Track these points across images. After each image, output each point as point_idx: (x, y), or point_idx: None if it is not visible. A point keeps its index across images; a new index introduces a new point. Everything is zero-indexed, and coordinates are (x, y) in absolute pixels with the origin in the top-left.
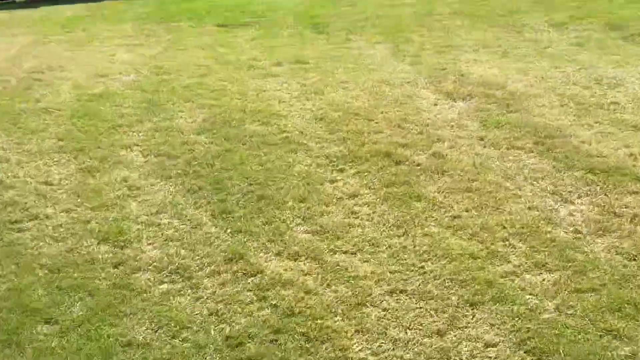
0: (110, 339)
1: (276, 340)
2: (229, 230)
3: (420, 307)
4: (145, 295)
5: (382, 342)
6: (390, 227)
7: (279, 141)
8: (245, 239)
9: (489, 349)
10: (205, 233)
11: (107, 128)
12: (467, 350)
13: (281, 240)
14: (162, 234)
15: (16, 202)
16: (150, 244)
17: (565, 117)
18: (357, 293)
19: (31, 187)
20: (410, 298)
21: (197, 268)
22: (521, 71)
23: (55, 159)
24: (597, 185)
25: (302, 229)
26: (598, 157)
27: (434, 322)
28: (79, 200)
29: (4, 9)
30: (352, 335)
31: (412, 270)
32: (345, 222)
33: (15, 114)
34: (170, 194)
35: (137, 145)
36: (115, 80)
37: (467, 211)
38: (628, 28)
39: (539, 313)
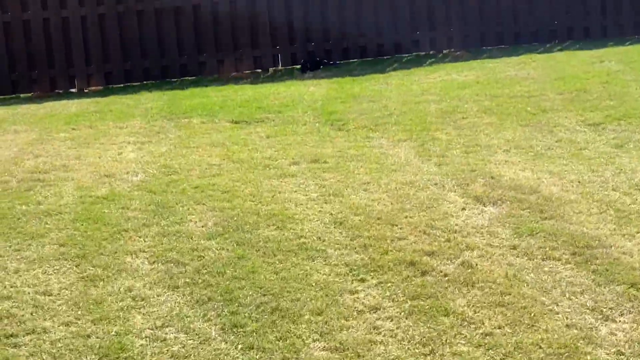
0: None
1: None
2: (240, 347)
3: None
4: None
5: None
6: (415, 344)
7: (295, 247)
8: (257, 356)
9: None
10: (214, 349)
11: (112, 233)
12: None
13: (297, 359)
14: (167, 350)
15: (12, 314)
16: None
17: (605, 226)
18: None
19: (29, 298)
20: None
21: None
22: (555, 174)
23: (55, 267)
24: None
25: (319, 345)
26: None
27: None
28: (79, 312)
29: (7, 104)
30: None
31: None
32: (367, 339)
33: (14, 217)
34: (178, 305)
35: (144, 251)
36: (121, 181)
37: (499, 328)
38: None
39: None
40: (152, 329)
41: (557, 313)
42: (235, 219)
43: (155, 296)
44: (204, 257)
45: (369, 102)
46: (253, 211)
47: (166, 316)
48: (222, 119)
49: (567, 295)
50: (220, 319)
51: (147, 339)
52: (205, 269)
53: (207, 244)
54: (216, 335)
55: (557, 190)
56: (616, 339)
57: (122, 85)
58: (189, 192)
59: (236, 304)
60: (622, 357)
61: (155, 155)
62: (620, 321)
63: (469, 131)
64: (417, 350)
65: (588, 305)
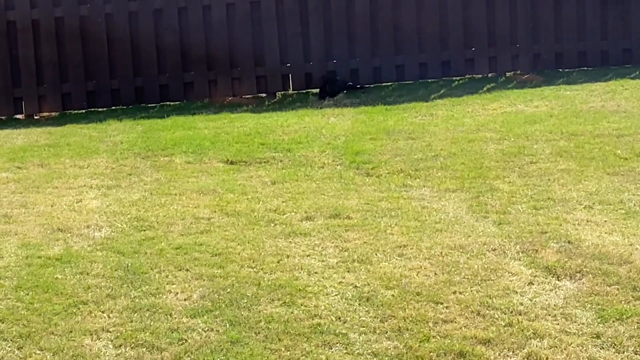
0: None
1: None
2: None
3: None
4: None
5: None
6: None
7: (307, 330)
8: None
9: None
10: None
11: (66, 306)
12: None
13: None
14: None
15: None
16: None
17: None
18: None
19: None
20: None
21: None
22: None
23: None
24: None
25: None
26: None
27: None
28: None
29: None
30: None
31: None
32: None
33: None
34: None
35: (107, 331)
36: (80, 237)
37: None
38: None
39: None
40: None
41: None
42: (228, 290)
43: None
44: (186, 340)
45: (407, 140)
46: (252, 281)
47: None
48: (214, 158)
49: None
50: None
51: None
52: (188, 356)
53: (191, 323)
54: None
55: None
56: None
57: (83, 111)
58: (169, 254)
59: None
60: None
61: (125, 204)
62: None
63: (539, 180)
64: None
65: None
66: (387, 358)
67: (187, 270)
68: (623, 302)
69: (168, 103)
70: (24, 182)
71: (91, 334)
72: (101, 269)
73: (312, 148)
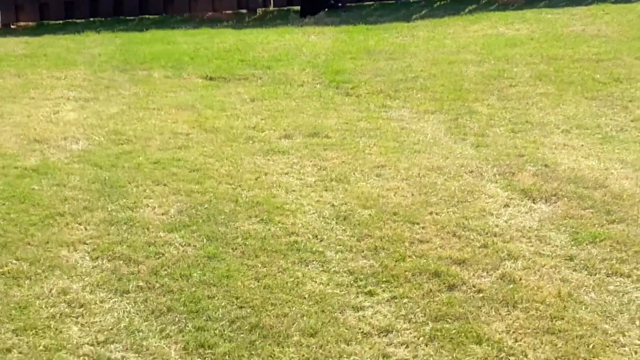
0: None
1: None
2: None
3: None
4: None
5: None
6: None
7: (284, 247)
8: None
9: None
10: None
11: (43, 217)
12: None
13: None
14: None
15: None
16: None
17: None
18: None
19: None
20: None
21: None
22: (629, 164)
23: None
24: None
25: None
26: None
27: None
28: None
29: None
30: None
31: None
32: None
33: None
34: (127, 316)
35: (84, 243)
36: (57, 149)
37: None
38: None
39: None
40: (92, 345)
41: (624, 345)
42: (206, 206)
43: (97, 302)
44: (163, 254)
45: (388, 60)
46: (230, 197)
47: (111, 329)
48: (193, 73)
49: (638, 323)
50: (183, 336)
51: (86, 357)
52: (165, 269)
53: (168, 238)
54: (176, 357)
55: (629, 185)
56: None
57: (61, 21)
58: (146, 168)
59: (204, 318)
60: None
61: (103, 117)
62: None
63: (518, 103)
64: None
65: None
66: (362, 276)
67: (165, 185)
68: (597, 225)
69: (147, 16)
70: (0, 92)
71: (68, 246)
72: (78, 182)
73: (292, 66)
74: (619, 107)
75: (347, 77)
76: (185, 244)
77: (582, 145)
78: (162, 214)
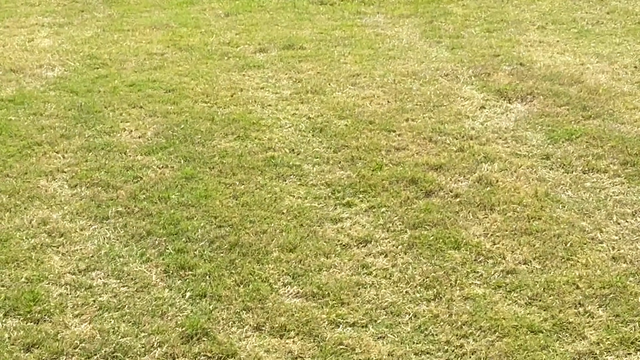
0: None
1: None
2: (188, 294)
3: None
4: None
5: None
6: (416, 287)
7: (261, 163)
8: (211, 307)
9: None
10: (155, 298)
11: (21, 147)
12: None
13: (262, 309)
14: (94, 301)
15: None
16: (77, 315)
17: None
18: None
19: None
20: None
21: (142, 350)
22: (605, 57)
23: None
24: None
25: (291, 291)
26: None
27: None
28: None
29: None
30: None
31: (447, 351)
32: (353, 281)
33: None
34: (107, 242)
35: (62, 171)
36: (33, 77)
37: (525, 263)
38: None
39: None
40: (73, 274)
41: (601, 242)
42: (182, 126)
43: (77, 230)
44: (141, 178)
45: None
46: (206, 116)
47: (92, 256)
48: None
49: (615, 219)
50: (163, 259)
51: (68, 286)
52: (144, 193)
53: (146, 161)
54: (157, 281)
55: (605, 79)
56: None
57: None
58: (122, 92)
59: (183, 239)
60: None
61: (78, 42)
62: None
63: (493, 2)
64: (417, 295)
65: None
66: (340, 188)
67: (141, 107)
68: (573, 122)
69: None
70: None
71: (46, 175)
72: (54, 109)
73: None
74: None
75: None
76: (162, 166)
77: (558, 41)
78: (139, 137)
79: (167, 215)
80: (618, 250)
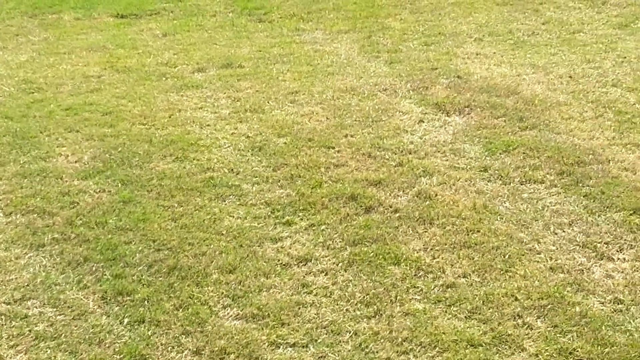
0: None
1: None
2: (126, 321)
3: None
4: None
5: None
6: (356, 304)
7: (200, 184)
8: (150, 332)
9: None
10: (92, 326)
11: None
12: None
13: (201, 332)
14: (30, 331)
15: None
16: (12, 346)
17: (601, 134)
18: None
19: None
20: None
21: None
22: (540, 68)
23: None
24: None
25: (231, 313)
26: None
27: None
28: None
29: None
30: None
31: None
32: (294, 301)
33: None
34: (43, 270)
35: None
36: None
37: (464, 277)
38: None
39: None
40: (8, 304)
41: (539, 253)
42: (119, 149)
43: (12, 259)
44: (78, 203)
45: None
46: (144, 138)
47: (27, 285)
48: (103, 12)
49: (552, 229)
50: (100, 285)
51: (2, 317)
52: (80, 219)
53: (83, 186)
54: (95, 307)
55: (541, 89)
56: (613, 283)
57: None
58: (58, 116)
59: (121, 264)
60: (620, 306)
61: (13, 66)
62: (618, 259)
63: (430, 15)
64: (358, 312)
65: (578, 240)
66: (279, 206)
67: (78, 131)
68: (510, 133)
69: None
70: None
71: None
72: None
73: None
74: (530, 10)
75: (260, 3)
76: (99, 191)
77: (495, 53)
78: (76, 162)
79: (105, 240)
80: (555, 260)
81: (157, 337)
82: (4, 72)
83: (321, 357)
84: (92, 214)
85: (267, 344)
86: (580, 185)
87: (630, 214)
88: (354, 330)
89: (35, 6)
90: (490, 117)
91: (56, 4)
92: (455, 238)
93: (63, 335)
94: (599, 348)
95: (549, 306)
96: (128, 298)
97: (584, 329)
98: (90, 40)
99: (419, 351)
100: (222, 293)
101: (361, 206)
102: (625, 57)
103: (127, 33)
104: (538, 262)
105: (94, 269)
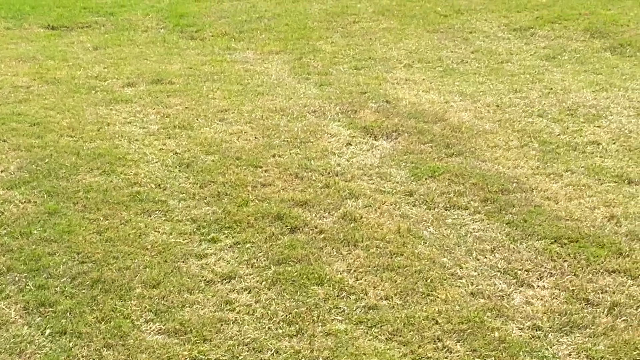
0: None
1: None
2: (48, 332)
3: None
4: None
5: None
6: (279, 323)
7: (126, 198)
8: (71, 344)
9: None
10: (13, 336)
11: None
12: None
13: (123, 345)
14: None
15: None
16: None
17: (526, 163)
18: None
19: None
20: None
21: None
22: (468, 96)
23: None
24: (565, 261)
25: (154, 327)
26: (568, 220)
27: None
28: None
29: None
30: None
31: None
32: (216, 317)
33: None
34: None
35: None
36: None
37: (386, 299)
38: (615, 35)
39: None
40: None
41: (460, 278)
42: (46, 160)
43: None
44: (2, 212)
45: (233, 1)
46: (71, 150)
47: None
48: (34, 23)
49: (474, 255)
50: (23, 295)
51: None
52: (5, 228)
53: (8, 195)
54: (17, 318)
55: (468, 117)
56: (532, 310)
57: None
58: None
59: (44, 275)
60: (538, 332)
61: None
62: (538, 287)
63: (361, 40)
64: (280, 331)
65: (499, 266)
66: (205, 223)
67: (4, 141)
68: (436, 159)
69: None
70: None
71: None
72: None
73: (135, 11)
74: (460, 39)
75: (192, 20)
76: (25, 201)
77: (424, 79)
78: (2, 171)
79: (29, 250)
80: (477, 286)
81: (78, 349)
82: None
83: None
84: (16, 224)
85: (188, 359)
86: (504, 212)
87: (551, 242)
88: (275, 348)
89: None
90: (418, 142)
91: None
92: (379, 260)
93: None
94: None
95: (468, 330)
96: (50, 309)
97: (502, 354)
98: (20, 50)
99: None
100: (145, 307)
101: (287, 226)
102: (551, 89)
103: (57, 45)
104: (459, 287)
105: (16, 279)
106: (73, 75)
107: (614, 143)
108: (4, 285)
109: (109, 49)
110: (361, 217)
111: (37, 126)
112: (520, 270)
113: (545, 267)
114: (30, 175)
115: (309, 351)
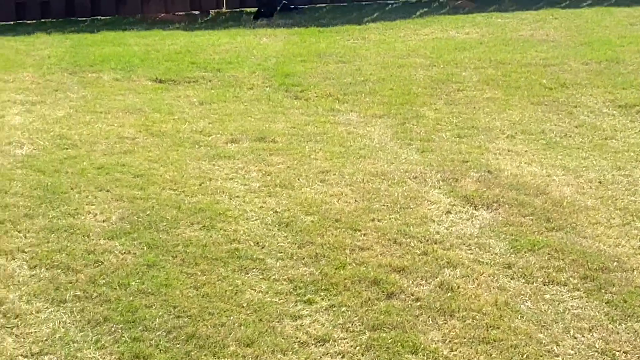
0: None
1: None
2: None
3: None
4: None
5: None
6: None
7: (224, 255)
8: None
9: None
10: None
11: None
12: None
13: None
14: None
15: None
16: None
17: (628, 242)
18: None
19: None
20: None
21: None
22: (571, 171)
23: None
24: None
25: None
26: None
27: None
28: None
29: None
30: None
31: None
32: None
33: None
34: (63, 326)
35: (23, 251)
36: (0, 154)
37: None
38: None
39: None
40: (26, 357)
41: (557, 355)
42: (148, 212)
43: (33, 312)
44: (102, 262)
45: (338, 63)
46: (173, 204)
47: (46, 340)
48: (143, 75)
49: (572, 332)
50: (118, 347)
51: None
52: (103, 278)
53: (108, 245)
54: None
55: (570, 192)
56: None
57: (11, 22)
58: (90, 174)
59: (140, 328)
60: None
61: (49, 121)
62: None
63: (465, 108)
64: None
65: (597, 346)
66: (301, 284)
67: (108, 191)
68: (536, 233)
69: (99, 17)
70: None
71: (6, 254)
72: (20, 188)
73: (242, 68)
74: (564, 112)
75: (297, 80)
76: (125, 252)
77: (526, 151)
78: (104, 221)
79: (126, 302)
80: None
81: None
82: (40, 126)
83: None
84: (115, 275)
85: None
86: (603, 291)
87: None
88: None
89: (77, 64)
90: (518, 214)
91: (97, 63)
92: (475, 332)
93: None
94: None
95: None
96: None
97: None
98: (128, 101)
99: None
100: None
101: (383, 291)
102: None
103: (164, 98)
104: None
105: (112, 329)
106: (178, 129)
107: None
108: (100, 336)
109: (215, 104)
110: (458, 287)
111: (140, 178)
112: (618, 351)
113: None
114: (131, 226)
115: None
